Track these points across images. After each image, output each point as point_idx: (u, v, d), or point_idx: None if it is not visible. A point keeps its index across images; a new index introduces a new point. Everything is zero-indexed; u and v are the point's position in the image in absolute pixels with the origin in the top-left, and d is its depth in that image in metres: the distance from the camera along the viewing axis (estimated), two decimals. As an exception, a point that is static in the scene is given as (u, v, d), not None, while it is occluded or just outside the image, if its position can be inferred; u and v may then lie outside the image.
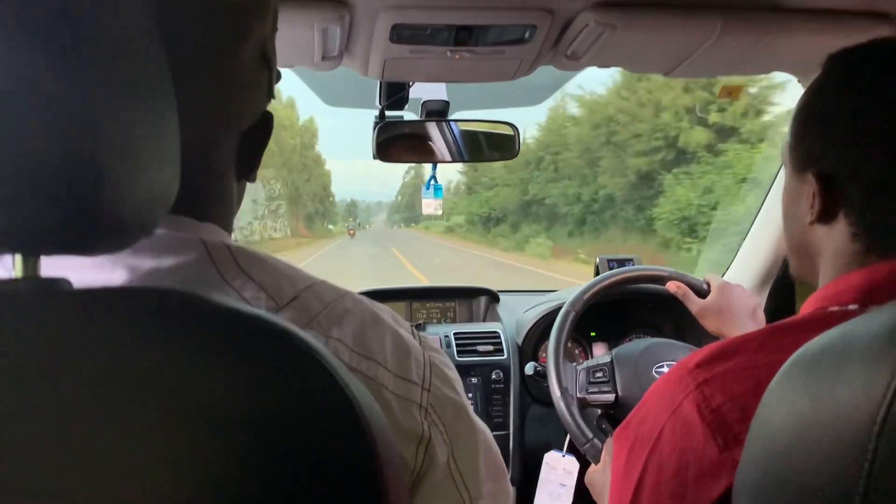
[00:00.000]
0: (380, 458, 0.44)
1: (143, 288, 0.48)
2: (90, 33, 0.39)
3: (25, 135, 0.38)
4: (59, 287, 0.43)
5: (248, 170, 0.69)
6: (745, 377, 0.67)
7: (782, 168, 1.71)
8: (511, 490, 0.73)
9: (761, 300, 1.86)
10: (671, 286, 1.55)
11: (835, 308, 0.71)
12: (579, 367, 1.58)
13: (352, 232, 53.88)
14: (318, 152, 60.53)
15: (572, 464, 1.64)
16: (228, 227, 0.67)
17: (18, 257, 0.43)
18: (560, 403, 1.51)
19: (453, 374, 0.69)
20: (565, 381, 1.53)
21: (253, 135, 0.67)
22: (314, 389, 0.42)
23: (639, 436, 0.76)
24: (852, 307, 0.70)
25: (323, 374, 0.43)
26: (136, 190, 0.43)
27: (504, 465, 0.73)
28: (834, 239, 0.75)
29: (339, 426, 0.43)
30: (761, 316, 1.45)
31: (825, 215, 0.75)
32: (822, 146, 0.75)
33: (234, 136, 0.65)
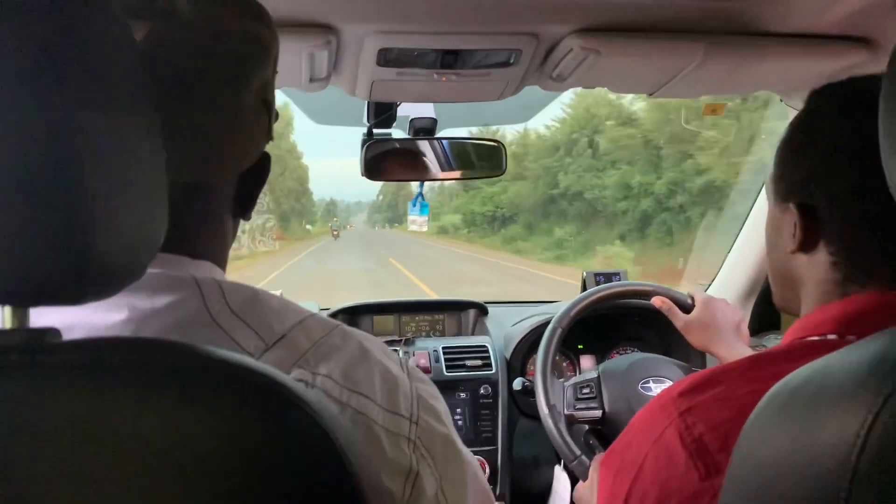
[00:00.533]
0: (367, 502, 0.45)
1: (127, 339, 0.48)
2: (77, 82, 0.39)
3: (12, 187, 0.38)
4: (47, 340, 0.44)
5: (244, 209, 0.70)
6: (726, 407, 0.69)
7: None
8: None
9: (745, 314, 1.88)
10: (656, 301, 1.57)
11: (814, 338, 0.73)
12: (566, 384, 1.58)
13: (335, 233, 50.21)
14: (293, 142, 52.46)
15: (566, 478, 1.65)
16: (222, 263, 0.68)
17: (8, 308, 0.43)
18: (548, 421, 1.51)
19: (441, 405, 0.70)
20: (553, 398, 1.54)
21: (251, 175, 0.68)
22: (299, 437, 0.43)
23: (623, 463, 0.77)
24: (831, 337, 0.71)
25: (308, 421, 0.43)
26: (123, 238, 0.43)
27: (492, 496, 0.74)
28: (815, 268, 0.76)
29: (325, 472, 0.43)
30: (745, 330, 1.47)
31: (806, 244, 0.76)
32: (803, 178, 0.77)
33: (234, 178, 0.66)
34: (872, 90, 0.74)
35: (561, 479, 1.66)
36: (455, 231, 45.83)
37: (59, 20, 0.39)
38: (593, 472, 1.35)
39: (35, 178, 0.38)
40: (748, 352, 1.37)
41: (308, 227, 57.04)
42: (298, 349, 0.60)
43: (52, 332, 0.44)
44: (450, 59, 1.15)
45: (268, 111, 0.67)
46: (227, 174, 0.65)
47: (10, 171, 0.38)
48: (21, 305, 0.44)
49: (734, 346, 1.38)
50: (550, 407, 1.53)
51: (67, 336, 0.46)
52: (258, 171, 0.68)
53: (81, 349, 0.44)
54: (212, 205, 0.65)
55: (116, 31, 0.44)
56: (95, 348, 0.44)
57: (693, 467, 0.68)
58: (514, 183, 32.83)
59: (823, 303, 0.75)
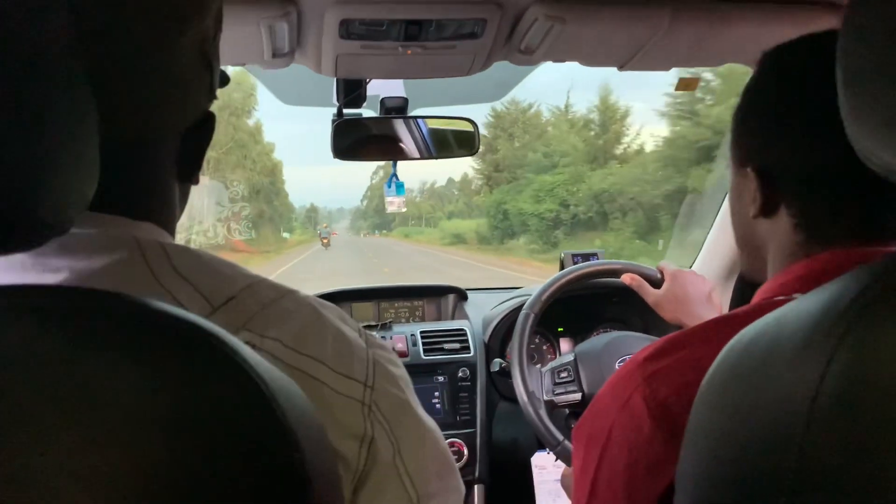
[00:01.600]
0: (307, 463, 0.43)
1: (63, 287, 0.47)
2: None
3: None
4: None
5: (190, 171, 0.67)
6: (691, 369, 0.68)
7: None
8: (462, 487, 0.72)
9: (726, 294, 1.88)
10: (625, 278, 1.56)
11: (780, 298, 0.72)
12: (543, 370, 1.58)
13: (325, 241, 42.62)
14: (258, 123, 34.74)
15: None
16: (170, 228, 0.66)
17: None
18: (528, 408, 1.50)
19: (399, 371, 0.68)
20: (531, 385, 1.53)
21: (194, 135, 0.65)
22: (237, 395, 0.41)
23: (592, 432, 0.77)
24: (796, 296, 0.70)
25: (237, 371, 0.42)
26: (48, 189, 0.41)
27: (453, 461, 0.73)
28: (777, 231, 0.76)
29: (255, 422, 0.42)
30: (717, 300, 1.46)
31: (766, 208, 0.76)
32: (758, 142, 0.77)
33: (174, 136, 0.64)
34: (821, 49, 0.74)
35: (539, 465, 1.65)
36: (473, 239, 36.10)
37: None
38: None
39: None
40: None
41: (285, 234, 45.24)
42: (246, 312, 0.58)
43: None
44: (413, 31, 1.13)
45: (209, 68, 0.65)
46: (165, 131, 0.63)
47: None
48: None
49: (706, 317, 1.36)
50: (529, 394, 1.52)
51: None
52: (201, 130, 0.66)
53: (9, 293, 0.42)
54: (152, 164, 0.63)
55: None
56: (25, 293, 0.43)
57: (658, 431, 0.68)
58: (614, 170, 21.13)
59: (788, 264, 0.75)
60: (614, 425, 0.73)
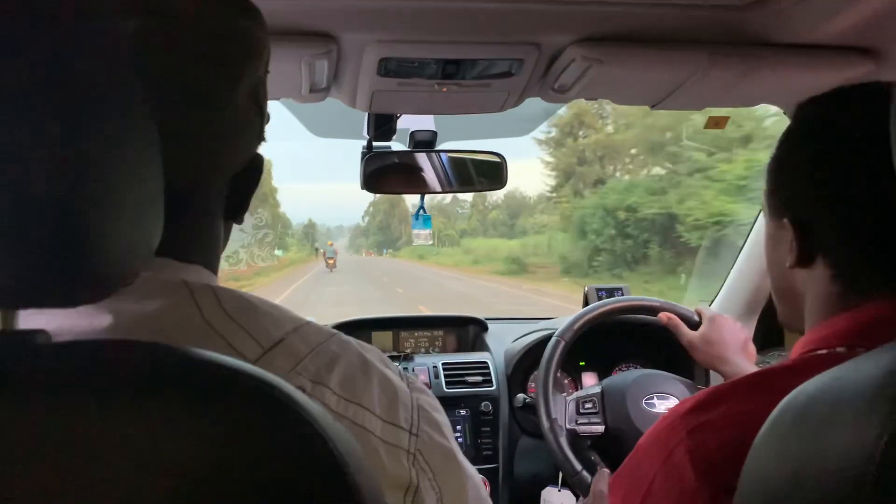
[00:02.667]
0: None
1: (121, 342, 0.47)
2: (68, 86, 0.39)
3: (3, 189, 0.37)
4: (35, 341, 0.42)
5: (236, 212, 0.68)
6: (735, 424, 0.67)
7: None
8: None
9: (748, 332, 1.86)
10: (662, 317, 1.55)
11: (823, 351, 0.71)
12: (569, 398, 1.57)
13: (331, 261, 36.39)
14: None
15: (569, 498, 1.62)
16: (214, 268, 0.66)
17: None
18: (549, 434, 1.50)
19: (442, 417, 0.68)
20: (554, 412, 1.52)
21: (243, 177, 0.66)
22: (295, 442, 0.41)
23: (632, 484, 0.76)
24: (840, 349, 0.70)
25: (306, 427, 0.42)
26: (117, 241, 0.42)
27: None
28: (814, 282, 0.76)
29: (321, 478, 0.42)
30: (752, 349, 1.45)
31: (803, 259, 0.75)
32: (794, 193, 0.77)
33: (225, 179, 0.65)
34: (857, 100, 0.74)
35: (547, 499, 1.64)
36: (568, 268, 24.39)
37: (48, 22, 0.38)
38: (594, 486, 1.33)
39: (27, 182, 0.38)
40: (755, 370, 1.35)
41: (277, 252, 40.41)
42: (296, 355, 0.58)
43: (42, 335, 0.43)
44: (451, 70, 1.14)
45: (260, 112, 0.66)
46: (218, 176, 0.63)
47: (2, 174, 0.37)
48: (9, 307, 0.42)
49: (740, 365, 1.36)
50: (552, 420, 1.51)
51: (55, 341, 0.45)
52: (250, 172, 0.67)
53: (72, 352, 0.42)
54: (203, 208, 0.64)
55: (108, 31, 0.43)
56: (87, 351, 0.43)
57: (702, 485, 0.67)
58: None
59: (827, 316, 0.74)
60: (656, 478, 0.72)
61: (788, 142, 0.79)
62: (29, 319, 0.45)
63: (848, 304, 0.72)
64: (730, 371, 1.36)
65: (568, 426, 1.52)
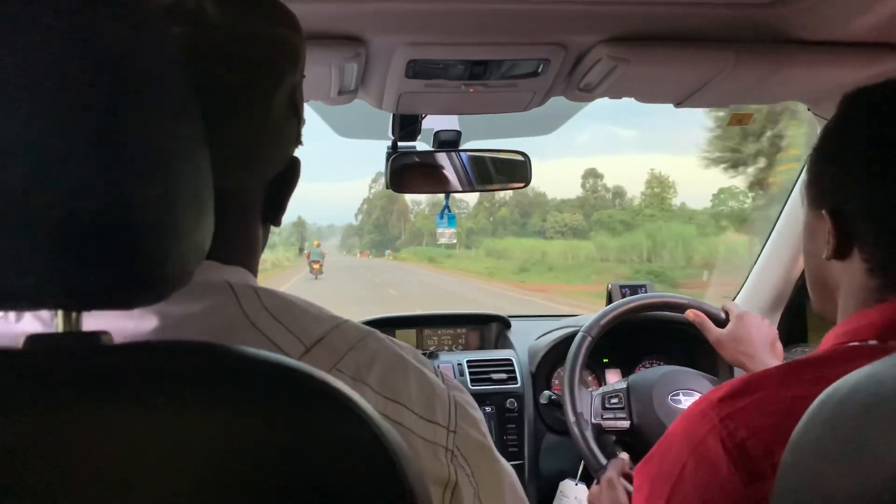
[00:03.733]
0: None
1: (180, 342, 0.48)
2: (124, 87, 0.40)
3: (65, 193, 0.38)
4: (99, 342, 0.44)
5: (274, 214, 0.69)
6: (768, 412, 0.68)
7: (793, 194, 1.72)
8: None
9: (774, 325, 1.86)
10: (689, 314, 1.55)
11: (855, 343, 0.72)
12: (595, 393, 1.57)
13: (317, 266, 29.56)
14: None
15: (583, 492, 1.63)
16: (254, 269, 0.68)
17: (60, 312, 0.43)
18: (574, 428, 1.51)
19: (478, 413, 0.69)
20: (580, 407, 1.53)
21: (281, 180, 0.68)
22: (351, 440, 0.42)
23: (661, 470, 0.76)
24: (872, 342, 0.70)
25: (359, 423, 0.43)
26: (174, 245, 0.43)
27: (527, 501, 0.73)
28: (850, 274, 0.76)
29: (378, 476, 0.42)
30: (780, 348, 1.45)
31: (840, 251, 0.76)
32: (835, 184, 0.77)
33: (264, 182, 0.66)
34: None
35: (563, 492, 1.65)
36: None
37: (104, 25, 0.39)
38: (608, 472, 1.36)
39: (86, 184, 0.39)
40: None
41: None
42: (337, 352, 0.60)
43: (104, 335, 0.44)
44: (478, 70, 1.15)
45: (297, 116, 0.67)
46: (258, 179, 0.65)
47: (61, 177, 0.38)
48: (72, 309, 0.44)
49: (768, 363, 1.37)
50: (577, 415, 1.52)
51: None
52: (288, 176, 0.68)
53: (135, 352, 0.44)
54: (243, 210, 0.65)
55: (160, 36, 0.44)
56: (149, 351, 0.44)
57: (735, 473, 0.67)
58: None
59: (861, 309, 0.74)
60: (687, 465, 0.72)
61: (831, 133, 0.79)
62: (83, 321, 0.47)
63: (882, 297, 0.72)
64: (757, 370, 1.36)
65: (593, 420, 1.53)
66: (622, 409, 1.52)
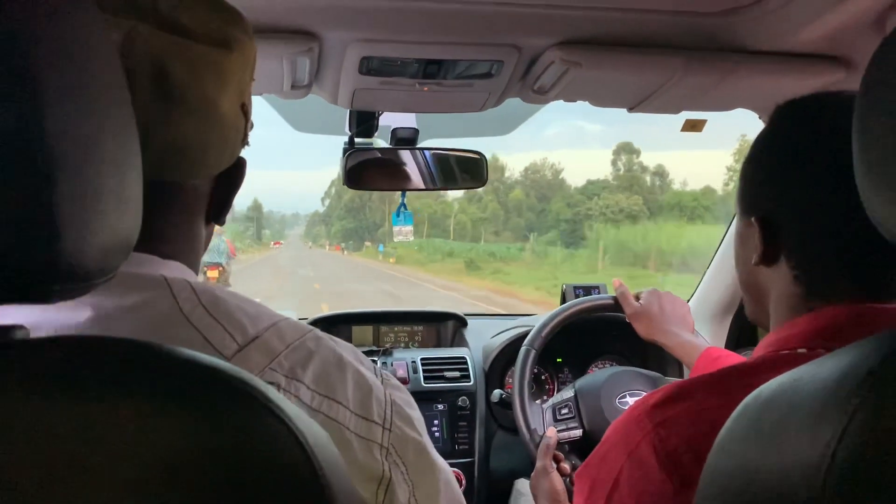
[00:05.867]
0: None
1: (98, 338, 0.48)
2: (49, 80, 0.39)
3: None
4: (12, 337, 0.43)
5: (218, 213, 0.69)
6: (698, 420, 0.69)
7: None
8: None
9: (723, 330, 1.90)
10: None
11: (785, 352, 0.73)
12: (545, 406, 1.59)
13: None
14: None
15: None
16: (195, 267, 0.67)
17: None
18: (530, 445, 1.52)
19: (415, 412, 0.70)
20: (532, 422, 1.54)
21: (226, 178, 0.67)
22: (269, 440, 0.42)
23: (599, 476, 0.77)
24: (801, 350, 0.72)
25: (277, 424, 0.43)
26: (94, 239, 0.42)
27: (464, 501, 0.74)
28: (778, 280, 0.78)
29: (294, 474, 0.42)
30: (691, 321, 1.52)
31: (767, 258, 0.78)
32: (764, 192, 0.79)
33: (209, 181, 0.66)
34: (831, 106, 0.76)
35: (521, 490, 1.66)
36: None
37: (31, 16, 0.38)
38: (538, 463, 1.40)
39: (3, 176, 0.38)
40: (692, 339, 1.41)
41: None
42: (272, 351, 0.60)
43: (19, 330, 0.43)
44: (432, 70, 1.16)
45: (245, 116, 0.67)
46: (202, 176, 0.65)
47: None
48: None
49: (680, 336, 1.42)
50: (531, 431, 1.53)
51: (33, 336, 0.45)
52: (233, 175, 0.68)
53: (50, 347, 0.43)
54: (186, 207, 0.65)
55: (91, 28, 0.43)
56: (65, 347, 0.44)
57: (667, 479, 0.68)
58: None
59: (790, 316, 0.76)
60: (622, 472, 0.74)
61: (762, 143, 0.81)
62: (5, 313, 0.46)
63: (809, 305, 0.74)
64: (669, 342, 1.42)
65: (547, 434, 1.54)
66: (573, 418, 1.54)
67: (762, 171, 0.80)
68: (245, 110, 0.67)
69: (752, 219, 0.78)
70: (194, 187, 0.65)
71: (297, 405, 0.57)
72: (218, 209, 0.69)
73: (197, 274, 0.68)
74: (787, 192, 0.76)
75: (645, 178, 58.37)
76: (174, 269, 0.62)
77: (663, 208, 48.57)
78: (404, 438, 0.66)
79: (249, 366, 0.57)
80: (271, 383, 0.58)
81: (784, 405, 0.51)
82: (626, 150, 58.21)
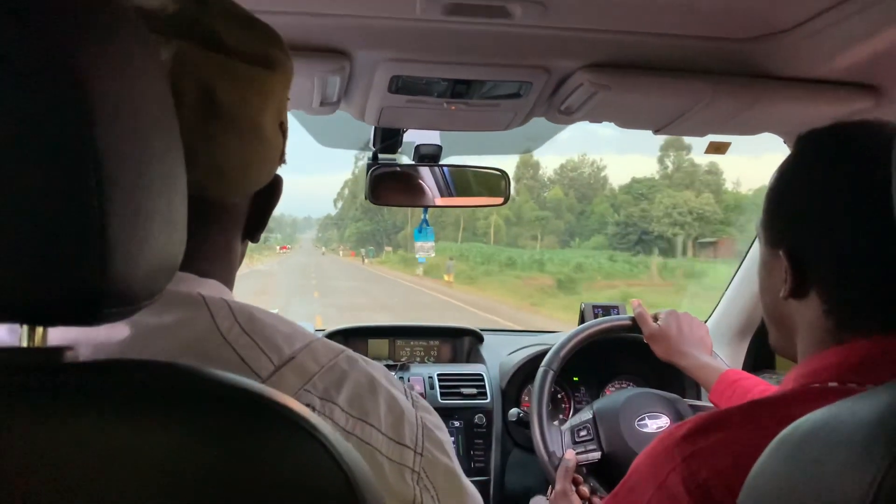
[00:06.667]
0: None
1: (143, 363, 0.48)
2: (98, 101, 0.39)
3: (33, 207, 0.38)
4: (62, 359, 0.43)
5: (254, 230, 0.70)
6: (729, 452, 0.69)
7: None
8: None
9: (741, 352, 1.89)
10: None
11: (815, 385, 0.73)
12: (563, 428, 1.57)
13: None
14: None
15: None
16: (230, 284, 0.68)
17: (25, 326, 0.43)
18: (549, 468, 1.50)
19: (445, 436, 0.70)
20: (551, 444, 1.52)
21: (263, 196, 0.68)
22: (308, 463, 0.42)
23: None
24: (832, 384, 0.71)
25: (316, 446, 0.43)
26: (143, 261, 0.43)
27: None
28: (807, 314, 0.77)
29: (333, 497, 0.43)
30: (709, 342, 1.50)
31: (797, 291, 0.76)
32: (790, 225, 0.78)
33: (246, 199, 0.67)
34: (858, 137, 0.75)
35: None
36: None
37: (84, 39, 0.39)
38: (558, 486, 1.40)
39: (53, 199, 0.38)
40: (710, 361, 1.40)
41: None
42: (306, 373, 0.60)
43: (68, 352, 0.44)
44: (461, 89, 1.16)
45: (283, 134, 0.68)
46: (242, 194, 0.65)
47: (29, 190, 0.38)
48: (37, 324, 0.43)
49: (697, 357, 1.41)
50: (550, 454, 1.51)
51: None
52: (270, 192, 0.69)
53: (99, 370, 0.44)
54: (224, 225, 0.66)
55: (140, 49, 0.44)
56: (114, 370, 0.44)
57: None
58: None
59: (819, 349, 0.75)
60: (651, 501, 0.73)
61: (787, 173, 0.81)
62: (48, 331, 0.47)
63: (839, 338, 0.73)
64: (687, 364, 1.41)
65: (566, 457, 1.53)
66: (591, 440, 1.52)
67: (788, 205, 0.79)
68: (283, 128, 0.68)
69: (780, 252, 0.77)
70: (234, 205, 0.66)
71: (332, 427, 0.58)
72: (254, 226, 0.70)
73: (232, 290, 0.68)
74: (814, 225, 0.75)
75: (695, 172, 51.33)
76: (212, 288, 0.63)
77: (729, 209, 43.61)
78: (435, 463, 0.66)
79: (285, 387, 0.58)
80: (306, 405, 0.58)
81: (822, 441, 0.51)
82: (676, 146, 51.41)
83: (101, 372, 0.44)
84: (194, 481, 0.40)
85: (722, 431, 0.71)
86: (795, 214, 0.77)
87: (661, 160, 53.23)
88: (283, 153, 0.69)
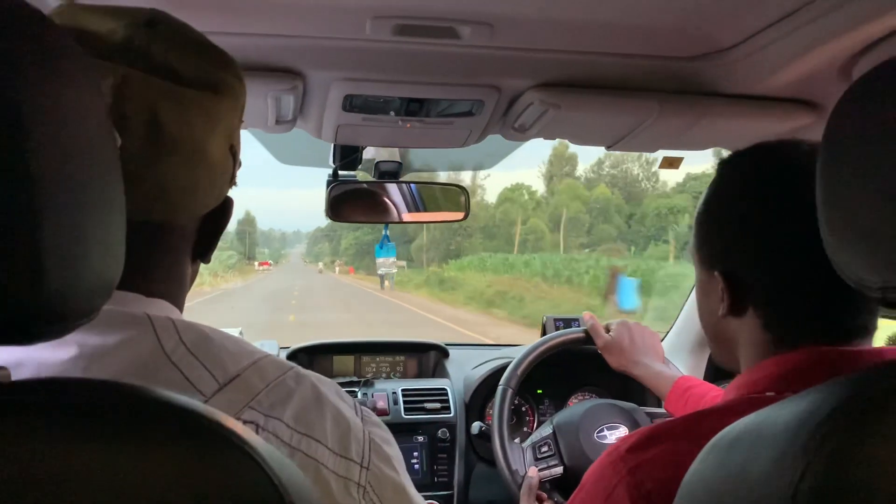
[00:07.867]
0: None
1: (81, 381, 0.48)
2: (32, 125, 0.39)
3: None
4: None
5: (204, 251, 0.70)
6: (671, 463, 0.70)
7: None
8: None
9: (701, 364, 1.91)
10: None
11: (754, 395, 0.75)
12: (525, 445, 1.58)
13: None
14: None
15: None
16: (180, 305, 0.68)
17: None
18: (512, 486, 1.51)
19: (394, 451, 0.70)
20: (514, 462, 1.53)
21: (212, 218, 0.69)
22: (242, 482, 0.43)
23: None
24: (769, 394, 0.74)
25: (252, 465, 0.44)
26: (78, 280, 0.43)
27: None
28: (746, 330, 0.79)
29: None
30: (661, 351, 1.53)
31: (735, 309, 0.78)
32: (722, 248, 0.80)
33: (195, 220, 0.67)
34: (780, 157, 0.78)
35: None
36: None
37: (19, 62, 0.39)
38: (522, 502, 1.41)
39: None
40: (663, 370, 1.42)
41: None
42: (251, 390, 0.60)
43: (1, 372, 0.44)
44: (414, 107, 1.18)
45: (234, 157, 0.68)
46: (189, 216, 0.66)
47: None
48: None
49: (650, 367, 1.43)
50: (513, 472, 1.52)
51: (16, 374, 0.46)
52: (220, 214, 0.70)
53: (33, 390, 0.44)
54: (171, 245, 0.66)
55: (79, 74, 0.45)
56: (48, 390, 0.44)
57: None
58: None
59: (758, 360, 0.78)
60: None
61: (715, 197, 0.82)
62: None
63: (777, 350, 0.76)
64: (640, 373, 1.43)
65: (529, 474, 1.54)
66: (553, 455, 1.53)
67: (718, 227, 0.81)
68: (234, 152, 0.68)
69: (715, 273, 0.79)
70: (181, 227, 0.66)
71: (275, 443, 0.58)
72: (204, 247, 0.70)
73: (182, 312, 0.69)
74: (746, 247, 0.77)
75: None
76: (160, 308, 0.63)
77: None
78: (382, 477, 0.66)
79: (229, 405, 0.58)
80: (250, 422, 0.59)
81: (748, 447, 0.53)
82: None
83: (41, 391, 0.44)
84: (133, 499, 0.40)
85: (665, 443, 0.73)
86: (727, 237, 0.79)
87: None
88: (233, 176, 0.70)
